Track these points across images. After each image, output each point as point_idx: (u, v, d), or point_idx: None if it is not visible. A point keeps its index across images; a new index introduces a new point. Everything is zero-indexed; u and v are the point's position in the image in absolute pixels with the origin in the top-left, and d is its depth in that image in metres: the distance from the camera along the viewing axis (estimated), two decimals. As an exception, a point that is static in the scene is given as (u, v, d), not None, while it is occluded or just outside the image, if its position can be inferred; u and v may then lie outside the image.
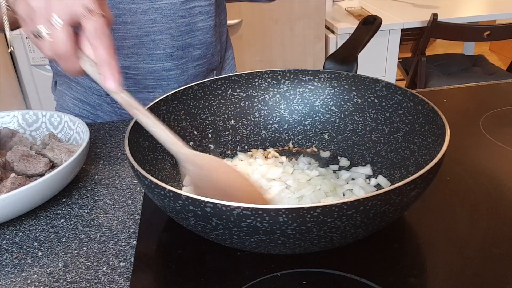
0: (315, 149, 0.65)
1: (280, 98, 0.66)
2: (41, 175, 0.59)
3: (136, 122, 0.52)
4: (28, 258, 0.49)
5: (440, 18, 1.91)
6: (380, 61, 2.12)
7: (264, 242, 0.39)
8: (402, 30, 2.03)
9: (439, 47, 3.59)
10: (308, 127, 0.66)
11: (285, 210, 0.35)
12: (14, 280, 0.46)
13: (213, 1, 0.82)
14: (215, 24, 0.84)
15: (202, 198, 0.37)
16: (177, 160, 0.48)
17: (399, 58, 2.18)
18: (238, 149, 0.65)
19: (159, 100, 0.58)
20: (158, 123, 0.47)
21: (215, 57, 0.87)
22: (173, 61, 0.81)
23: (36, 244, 0.51)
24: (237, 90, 0.65)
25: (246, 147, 0.65)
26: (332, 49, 2.21)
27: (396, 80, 2.47)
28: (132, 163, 0.43)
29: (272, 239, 0.38)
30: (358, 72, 0.63)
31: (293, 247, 0.40)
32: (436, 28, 1.94)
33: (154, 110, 0.57)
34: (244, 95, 0.66)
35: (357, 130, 0.63)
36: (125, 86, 0.84)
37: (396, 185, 0.37)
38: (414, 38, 2.33)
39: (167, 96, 0.59)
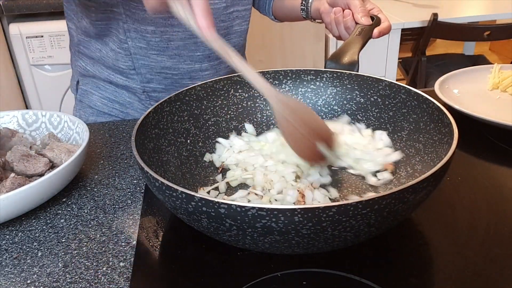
0: None
1: (281, 98, 0.66)
2: (41, 175, 0.59)
3: (141, 124, 0.52)
4: (27, 258, 0.49)
5: (440, 18, 1.91)
6: (380, 61, 2.12)
7: (278, 242, 0.39)
8: (402, 30, 2.03)
9: (439, 47, 3.59)
10: (310, 127, 0.66)
11: (300, 210, 0.35)
12: (14, 280, 0.46)
13: (250, 7, 0.88)
14: (248, 27, 0.90)
15: (216, 200, 0.36)
16: (268, 103, 0.52)
17: (399, 58, 2.18)
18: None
19: (163, 101, 0.58)
20: (252, 70, 0.51)
21: (243, 57, 0.92)
22: (209, 62, 0.86)
23: (35, 244, 0.51)
24: (239, 91, 0.65)
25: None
26: (332, 49, 2.20)
27: (396, 80, 2.46)
28: (141, 165, 0.43)
29: (286, 239, 0.38)
30: (359, 73, 0.63)
31: (307, 247, 0.40)
32: (436, 28, 1.94)
33: (158, 111, 0.57)
34: (246, 95, 0.66)
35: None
36: (163, 85, 0.86)
37: (410, 183, 0.37)
38: (414, 38, 2.33)
39: (170, 97, 0.59)
